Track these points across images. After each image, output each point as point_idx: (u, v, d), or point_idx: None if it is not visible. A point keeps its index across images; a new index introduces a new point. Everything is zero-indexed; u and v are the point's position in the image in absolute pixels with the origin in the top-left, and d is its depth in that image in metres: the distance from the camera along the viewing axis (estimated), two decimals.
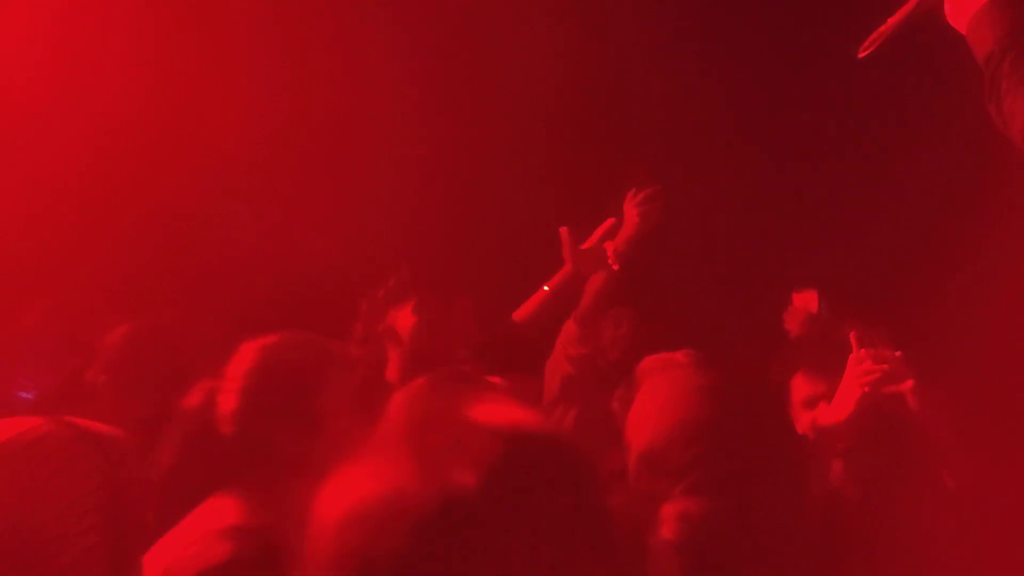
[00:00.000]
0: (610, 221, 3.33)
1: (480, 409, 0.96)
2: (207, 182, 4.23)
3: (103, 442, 1.46)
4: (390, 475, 0.91)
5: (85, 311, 3.61)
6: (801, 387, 2.95)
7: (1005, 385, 3.07)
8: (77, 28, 4.06)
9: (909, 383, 2.50)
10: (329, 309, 3.64)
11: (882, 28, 2.27)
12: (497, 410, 0.97)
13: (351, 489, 0.93)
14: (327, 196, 4.37)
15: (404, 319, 3.29)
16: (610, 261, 3.21)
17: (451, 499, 0.88)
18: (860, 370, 2.50)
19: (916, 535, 2.58)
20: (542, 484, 0.92)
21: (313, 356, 1.92)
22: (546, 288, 3.41)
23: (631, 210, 3.26)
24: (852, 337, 2.57)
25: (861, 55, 2.31)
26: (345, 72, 4.39)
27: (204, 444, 1.87)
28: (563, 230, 3.27)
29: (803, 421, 2.85)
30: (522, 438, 0.95)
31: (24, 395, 3.51)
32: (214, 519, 1.82)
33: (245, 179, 4.33)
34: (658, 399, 2.24)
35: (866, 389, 2.46)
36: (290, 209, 4.38)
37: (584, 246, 3.32)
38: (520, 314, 3.43)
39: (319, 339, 1.97)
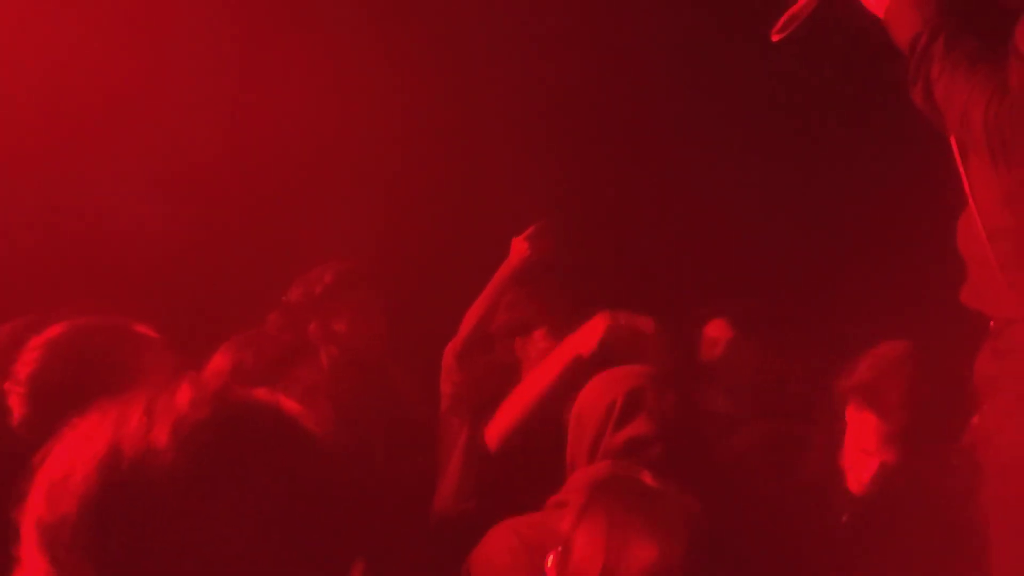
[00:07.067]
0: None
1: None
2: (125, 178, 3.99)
3: None
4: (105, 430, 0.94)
5: None
6: None
7: None
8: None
9: None
10: (240, 303, 3.52)
11: (794, 8, 2.17)
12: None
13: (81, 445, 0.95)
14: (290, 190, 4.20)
15: (339, 322, 3.49)
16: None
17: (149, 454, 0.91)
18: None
19: None
20: (246, 449, 0.94)
21: (104, 340, 1.84)
22: None
23: (520, 244, 3.51)
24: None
25: (775, 38, 2.22)
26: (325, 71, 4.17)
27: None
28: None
29: None
30: (224, 404, 0.96)
31: None
32: None
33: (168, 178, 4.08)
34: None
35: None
36: (212, 209, 4.12)
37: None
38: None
39: (112, 320, 1.89)
